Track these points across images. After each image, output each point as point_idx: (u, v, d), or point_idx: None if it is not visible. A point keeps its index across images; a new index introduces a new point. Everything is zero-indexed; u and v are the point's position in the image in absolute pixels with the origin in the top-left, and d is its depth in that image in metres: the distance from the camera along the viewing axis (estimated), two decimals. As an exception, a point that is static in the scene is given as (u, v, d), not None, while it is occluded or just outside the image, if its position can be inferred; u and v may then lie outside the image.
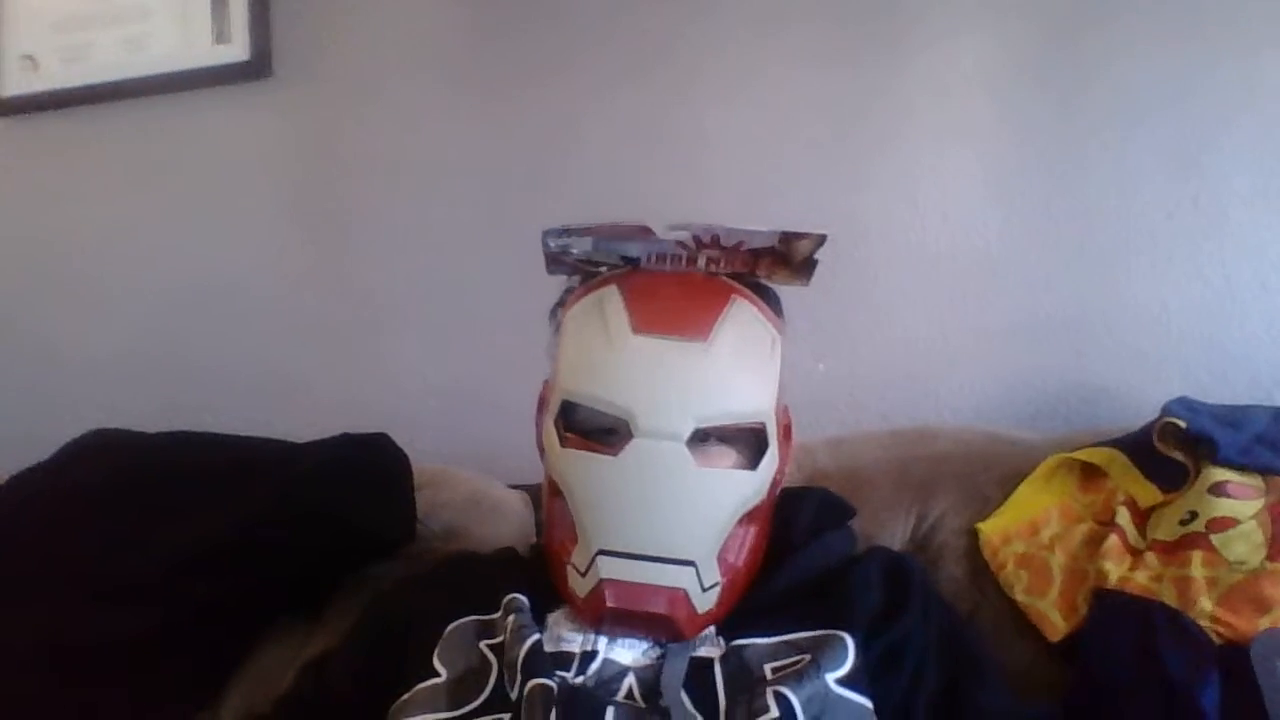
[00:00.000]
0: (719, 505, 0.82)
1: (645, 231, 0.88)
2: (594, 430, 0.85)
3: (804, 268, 0.91)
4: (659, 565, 0.80)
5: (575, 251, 0.91)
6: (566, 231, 0.89)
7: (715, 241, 0.88)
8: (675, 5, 1.54)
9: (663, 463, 0.80)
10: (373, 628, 0.96)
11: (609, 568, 0.80)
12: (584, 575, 0.82)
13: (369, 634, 0.95)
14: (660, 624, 0.81)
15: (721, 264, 0.90)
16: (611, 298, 0.86)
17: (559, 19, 1.59)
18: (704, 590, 0.81)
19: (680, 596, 0.80)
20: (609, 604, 0.80)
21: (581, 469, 0.83)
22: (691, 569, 0.80)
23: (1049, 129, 1.36)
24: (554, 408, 0.86)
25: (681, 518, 0.81)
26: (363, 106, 1.70)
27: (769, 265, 0.91)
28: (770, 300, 0.93)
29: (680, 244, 0.89)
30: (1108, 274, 1.34)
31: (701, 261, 0.90)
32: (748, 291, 0.90)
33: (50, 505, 1.26)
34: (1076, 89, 1.35)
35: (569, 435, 0.86)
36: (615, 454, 0.81)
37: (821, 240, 0.88)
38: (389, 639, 0.92)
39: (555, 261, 0.94)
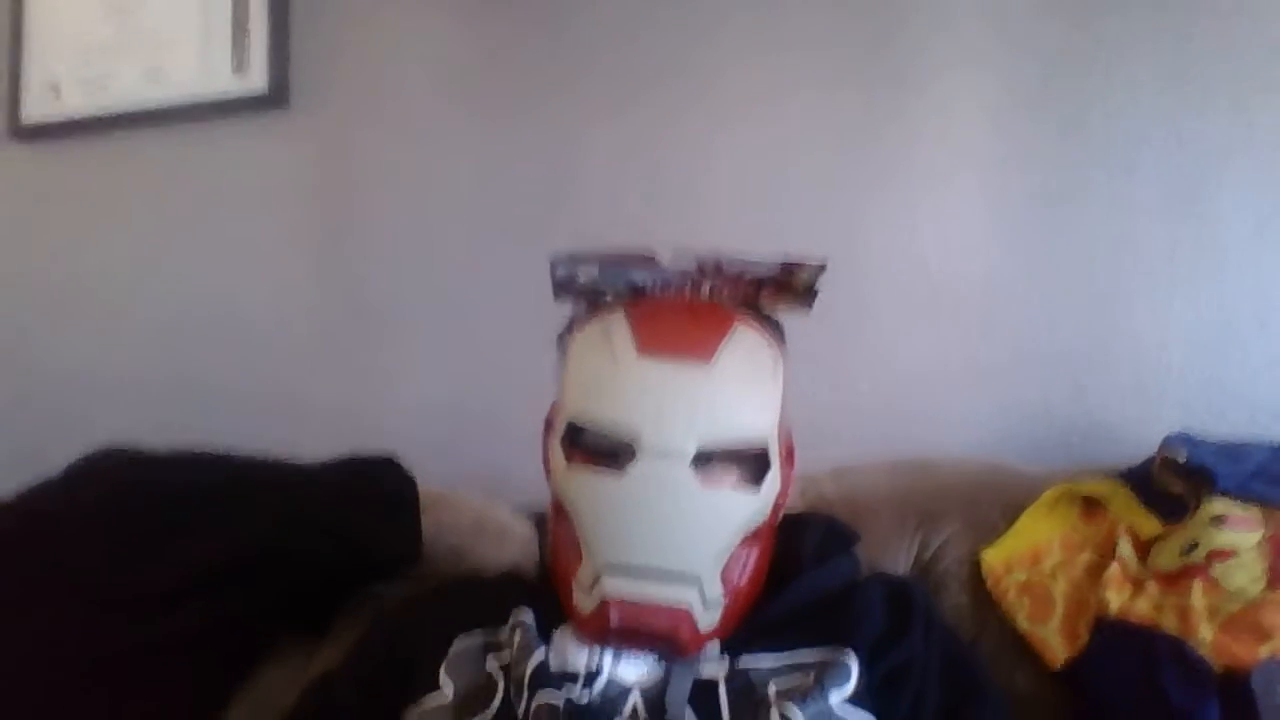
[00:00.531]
0: (722, 524, 0.83)
1: (650, 260, 0.90)
2: (599, 451, 0.86)
3: (805, 296, 0.93)
4: (662, 584, 0.80)
5: (582, 278, 0.93)
6: (574, 258, 0.91)
7: (718, 269, 0.90)
8: (681, 29, 1.56)
9: (667, 482, 0.81)
10: (378, 644, 0.96)
11: (613, 585, 0.81)
12: (588, 593, 0.82)
13: (375, 650, 0.96)
14: (663, 642, 0.81)
15: (724, 292, 0.93)
16: (617, 322, 0.88)
17: (566, 43, 1.62)
18: (707, 608, 0.82)
19: (684, 614, 0.81)
20: (613, 624, 0.80)
21: (587, 488, 0.84)
22: (695, 586, 0.81)
23: (1051, 163, 1.38)
24: (560, 429, 0.88)
25: (685, 535, 0.82)
26: (375, 136, 1.73)
27: (771, 294, 0.93)
28: (772, 327, 0.95)
29: (684, 272, 0.91)
30: (1108, 309, 1.35)
31: (705, 289, 0.92)
32: (750, 317, 0.92)
33: (59, 519, 1.26)
34: (1078, 125, 1.37)
35: (575, 456, 0.87)
36: (620, 474, 0.82)
37: (821, 269, 0.90)
38: (395, 655, 0.92)
39: (562, 288, 0.95)
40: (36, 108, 1.92)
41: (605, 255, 0.91)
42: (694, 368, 0.84)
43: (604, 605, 0.81)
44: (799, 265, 0.90)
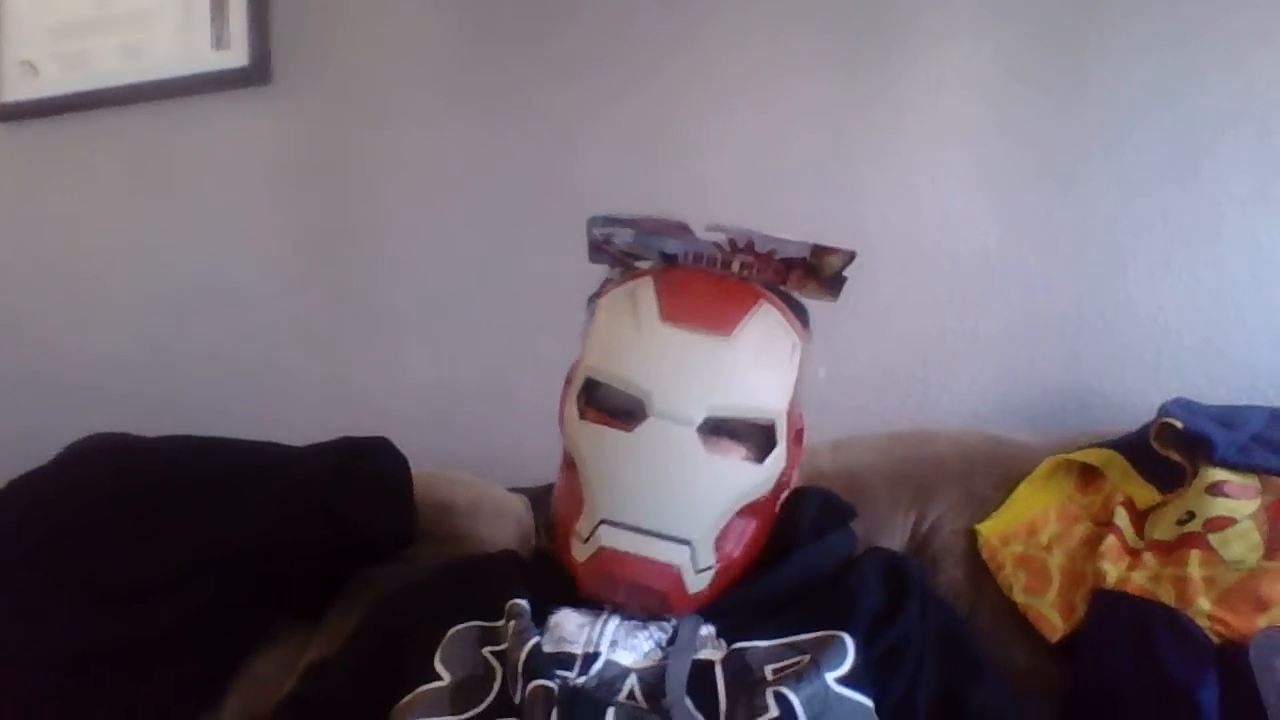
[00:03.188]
0: (721, 491, 0.85)
1: (684, 229, 0.92)
2: (612, 408, 0.88)
3: (832, 283, 0.94)
4: (657, 540, 0.83)
5: (617, 241, 0.95)
6: (611, 221, 0.94)
7: (750, 247, 0.91)
8: (675, 13, 1.55)
9: (673, 444, 0.83)
10: (375, 631, 0.96)
11: (610, 537, 0.83)
12: (585, 542, 0.85)
13: (371, 637, 0.96)
14: (651, 595, 0.84)
15: (754, 270, 0.94)
16: (645, 288, 0.90)
17: (558, 27, 1.60)
18: (697, 571, 0.84)
19: (673, 573, 0.83)
20: (605, 568, 0.83)
21: (595, 441, 0.86)
22: (687, 549, 0.83)
23: (1046, 133, 1.37)
24: (578, 384, 0.90)
25: (684, 497, 0.84)
26: (361, 113, 1.71)
27: (799, 277, 0.94)
28: (797, 310, 0.96)
29: (717, 246, 0.92)
30: (1105, 277, 1.34)
31: (735, 265, 0.94)
32: (775, 298, 0.93)
33: (51, 508, 1.26)
34: (1073, 93, 1.36)
35: (589, 410, 0.89)
36: (629, 431, 0.84)
37: (851, 257, 0.91)
38: (391, 642, 0.92)
39: (597, 249, 0.97)
40: (14, 86, 1.89)
41: (641, 221, 0.93)
42: (713, 339, 0.86)
43: (599, 552, 0.83)
44: (829, 250, 0.90)
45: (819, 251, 0.90)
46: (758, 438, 0.88)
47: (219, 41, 1.76)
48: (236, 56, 1.74)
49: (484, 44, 1.65)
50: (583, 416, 0.89)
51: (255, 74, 1.74)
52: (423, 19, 1.68)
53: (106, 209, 1.85)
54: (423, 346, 1.66)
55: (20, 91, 1.88)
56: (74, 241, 1.87)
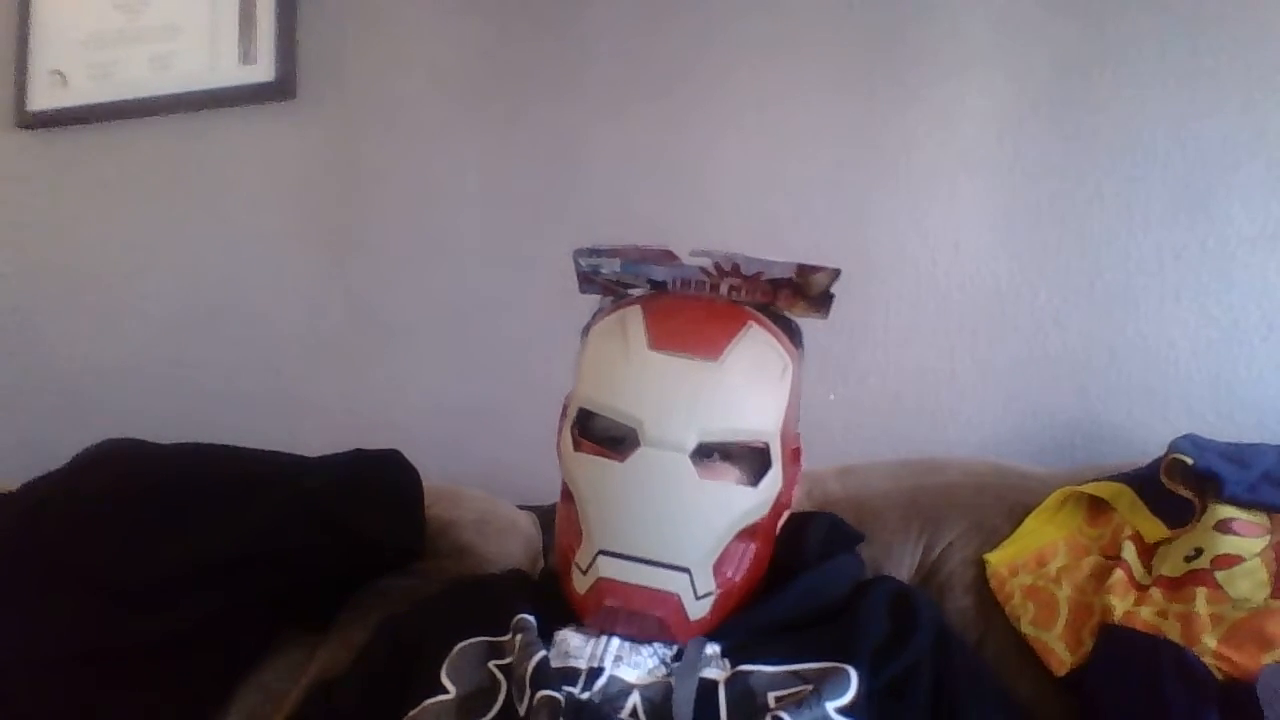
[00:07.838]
0: (717, 516, 0.85)
1: (671, 256, 0.92)
2: (606, 438, 0.88)
3: (821, 301, 0.94)
4: (655, 569, 0.83)
5: (604, 271, 0.96)
6: (596, 252, 0.94)
7: (736, 270, 0.91)
8: (688, 30, 1.56)
9: (666, 471, 0.84)
10: (382, 649, 0.97)
11: (608, 567, 0.83)
12: (585, 573, 0.85)
13: (379, 656, 0.97)
14: (652, 624, 0.84)
15: (743, 292, 0.94)
16: (633, 316, 0.91)
17: (572, 43, 1.62)
18: (697, 598, 0.84)
19: (673, 601, 0.83)
20: (605, 601, 0.83)
21: (590, 472, 0.87)
22: (685, 575, 0.83)
23: (1057, 166, 1.38)
24: (572, 415, 0.91)
25: (680, 525, 0.84)
26: (382, 128, 1.73)
27: (788, 297, 0.94)
28: (788, 330, 0.95)
29: (704, 271, 0.92)
30: (1115, 311, 1.35)
31: (724, 289, 0.93)
32: (765, 319, 0.93)
33: (62, 511, 1.26)
34: (1084, 127, 1.37)
35: (583, 441, 0.90)
36: (623, 460, 0.84)
37: (836, 274, 0.90)
38: (398, 661, 0.93)
39: (586, 280, 0.98)
40: (43, 96, 1.92)
41: (626, 250, 0.93)
42: (701, 364, 0.86)
43: (598, 583, 0.84)
44: (814, 269, 0.90)
45: (804, 270, 0.90)
46: (751, 460, 0.88)
47: (246, 56, 1.78)
48: (263, 71, 1.77)
49: (500, 60, 1.66)
50: (577, 448, 0.89)
51: (281, 89, 1.76)
52: (446, 37, 1.70)
53: (130, 219, 1.87)
54: (433, 361, 1.66)
55: (49, 100, 1.91)
56: (95, 250, 1.89)
